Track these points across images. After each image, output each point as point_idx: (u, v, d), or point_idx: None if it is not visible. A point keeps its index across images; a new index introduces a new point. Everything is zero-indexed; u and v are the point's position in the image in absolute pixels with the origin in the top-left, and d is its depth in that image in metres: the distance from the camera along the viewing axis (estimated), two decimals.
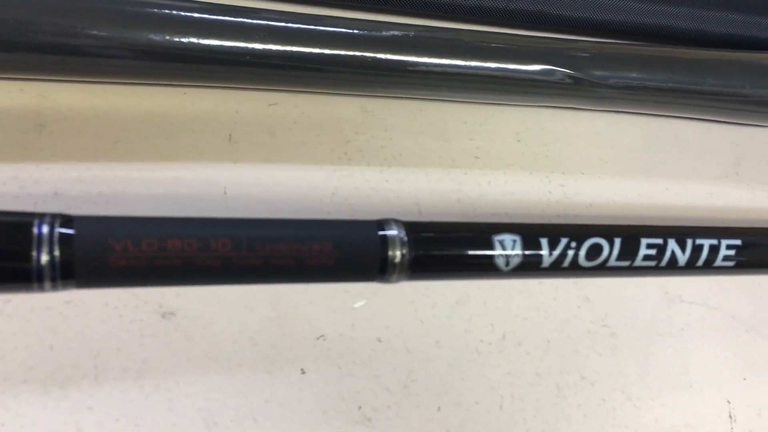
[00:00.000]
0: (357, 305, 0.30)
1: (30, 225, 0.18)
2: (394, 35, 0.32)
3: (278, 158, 0.32)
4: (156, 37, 0.28)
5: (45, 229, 0.18)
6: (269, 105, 0.33)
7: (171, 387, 0.27)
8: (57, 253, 0.18)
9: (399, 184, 0.33)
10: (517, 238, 0.25)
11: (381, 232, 0.23)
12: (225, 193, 0.30)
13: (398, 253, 0.23)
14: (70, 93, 0.30)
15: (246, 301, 0.29)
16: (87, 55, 0.28)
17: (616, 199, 0.37)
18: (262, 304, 0.29)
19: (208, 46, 0.29)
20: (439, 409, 0.30)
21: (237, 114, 0.32)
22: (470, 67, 0.33)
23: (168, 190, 0.30)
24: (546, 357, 0.32)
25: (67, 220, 0.19)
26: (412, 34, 0.33)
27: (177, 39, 0.29)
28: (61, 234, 0.18)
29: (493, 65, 0.33)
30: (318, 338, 0.29)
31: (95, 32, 0.28)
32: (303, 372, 0.29)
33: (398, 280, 0.24)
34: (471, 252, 0.25)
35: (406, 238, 0.23)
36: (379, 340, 0.30)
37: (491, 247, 0.25)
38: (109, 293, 0.27)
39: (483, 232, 0.25)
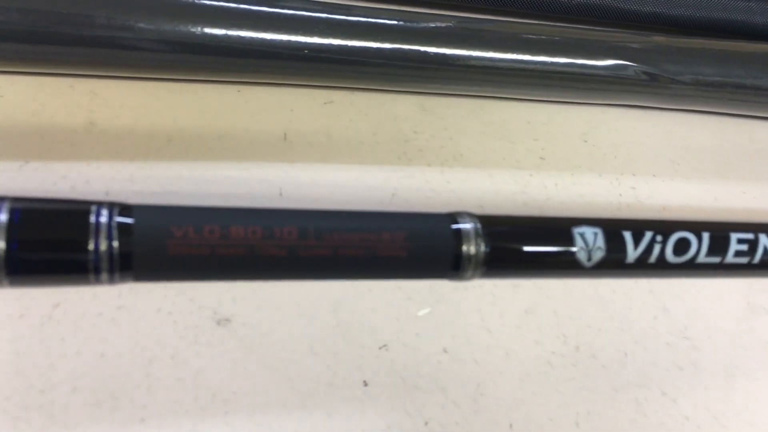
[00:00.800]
0: (421, 313, 0.28)
1: (87, 213, 0.17)
2: (454, 28, 0.31)
3: (335, 158, 0.30)
4: (211, 31, 0.27)
5: (103, 218, 0.17)
6: (324, 103, 0.32)
7: (228, 398, 0.25)
8: (115, 243, 0.17)
9: (461, 185, 0.32)
10: (598, 231, 0.23)
11: (454, 226, 0.21)
12: (281, 194, 0.29)
13: (473, 248, 0.21)
14: (121, 90, 0.29)
15: (305, 308, 0.27)
16: (138, 49, 0.27)
17: (691, 202, 0.34)
18: (321, 311, 0.27)
19: (266, 40, 0.28)
20: (511, 426, 0.28)
21: (292, 112, 0.31)
22: (535, 63, 0.32)
23: (222, 191, 0.28)
24: (623, 371, 0.30)
25: (125, 209, 0.17)
26: (473, 27, 0.31)
27: (233, 33, 0.27)
28: (120, 223, 0.17)
29: (560, 60, 0.32)
30: (380, 348, 0.27)
31: (147, 26, 0.27)
32: (366, 384, 0.27)
33: (472, 277, 0.22)
34: (550, 246, 0.23)
35: (481, 232, 0.21)
36: (445, 351, 0.28)
37: (571, 240, 0.23)
38: (162, 298, 0.25)
39: (562, 225, 0.23)
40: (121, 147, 0.28)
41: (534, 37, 0.32)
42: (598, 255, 0.23)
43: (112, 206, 0.17)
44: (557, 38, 0.32)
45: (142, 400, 0.24)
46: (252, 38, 0.28)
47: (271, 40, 0.28)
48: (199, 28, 0.27)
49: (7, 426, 0.23)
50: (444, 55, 0.30)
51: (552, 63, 0.32)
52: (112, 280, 0.17)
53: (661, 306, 0.31)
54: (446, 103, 0.33)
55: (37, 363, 0.23)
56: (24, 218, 0.16)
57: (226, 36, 0.27)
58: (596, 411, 0.29)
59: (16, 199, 0.16)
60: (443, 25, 0.31)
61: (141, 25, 0.26)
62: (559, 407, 0.28)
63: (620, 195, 0.33)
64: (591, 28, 0.33)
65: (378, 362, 0.27)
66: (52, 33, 0.26)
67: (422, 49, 0.30)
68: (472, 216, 0.22)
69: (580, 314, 0.30)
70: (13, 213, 0.16)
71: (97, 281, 0.17)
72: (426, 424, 0.27)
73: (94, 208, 0.17)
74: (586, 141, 0.34)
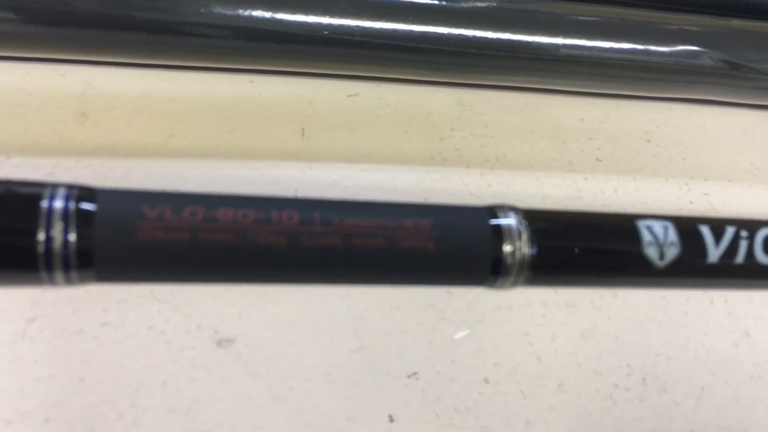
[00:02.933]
0: (458, 336, 0.24)
1: (39, 198, 0.13)
2: (498, 9, 0.27)
3: (359, 157, 0.27)
4: (219, 10, 0.24)
5: (58, 203, 0.13)
6: (348, 96, 0.28)
7: None
8: (72, 234, 0.13)
9: (504, 189, 0.27)
10: (668, 224, 0.18)
11: (494, 221, 0.17)
12: (296, 196, 0.25)
13: (517, 248, 0.17)
14: (117, 79, 0.26)
15: (321, 327, 0.23)
16: (138, 30, 0.24)
17: None
18: (341, 331, 0.23)
19: (280, 20, 0.24)
20: None
21: (311, 106, 0.27)
22: (591, 49, 0.27)
23: (230, 192, 0.25)
24: (700, 408, 0.25)
25: (86, 192, 0.14)
26: (519, 7, 0.27)
27: (244, 12, 0.24)
28: (79, 210, 0.13)
29: (621, 46, 0.27)
30: (410, 376, 0.23)
31: (146, 3, 0.23)
32: (392, 420, 0.22)
33: (514, 284, 0.17)
34: (612, 243, 0.18)
35: (526, 229, 0.17)
36: (487, 381, 0.24)
37: (637, 235, 0.18)
38: (155, 314, 0.22)
39: (624, 218, 0.18)
40: (115, 142, 0.25)
41: (590, 19, 0.28)
42: (673, 252, 0.18)
43: (70, 189, 0.14)
44: (617, 21, 0.28)
45: None
46: (264, 18, 0.24)
47: (286, 21, 0.24)
48: (205, 7, 0.24)
49: None
50: (485, 39, 0.27)
51: (611, 49, 0.27)
52: (68, 280, 0.14)
53: (742, 331, 0.27)
54: (487, 97, 0.29)
55: (5, 387, 0.20)
56: None
57: (236, 16, 0.24)
58: None
59: None
60: (485, 5, 0.27)
61: (140, 2, 0.23)
62: None
63: (691, 202, 0.29)
64: (657, 11, 0.29)
65: (407, 393, 0.23)
66: (45, 11, 0.23)
67: (460, 32, 0.26)
68: (514, 209, 0.18)
69: (646, 340, 0.26)
70: None
71: (50, 281, 0.13)
72: None
73: (47, 191, 0.13)
74: (649, 141, 0.30)
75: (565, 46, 0.27)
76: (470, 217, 0.17)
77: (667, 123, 0.30)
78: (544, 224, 0.18)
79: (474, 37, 0.26)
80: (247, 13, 0.24)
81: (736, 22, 0.28)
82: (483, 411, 0.23)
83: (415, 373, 0.23)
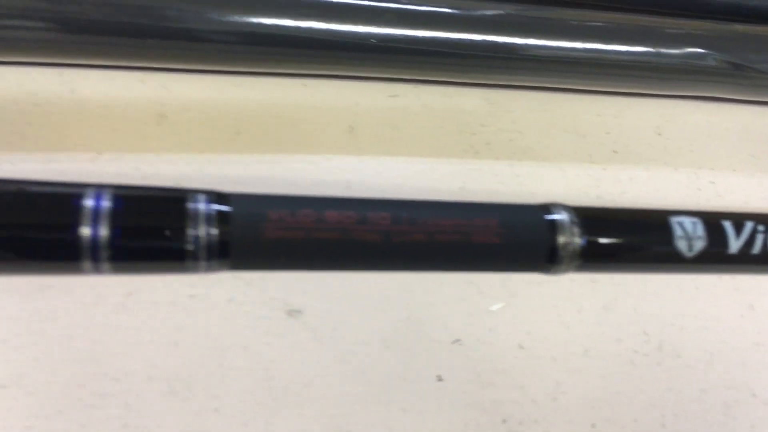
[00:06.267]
0: (494, 308, 0.27)
1: (185, 201, 0.16)
2: (521, 17, 0.30)
3: (401, 151, 0.30)
4: (278, 22, 0.27)
5: (201, 206, 0.16)
6: (389, 96, 0.31)
7: (300, 391, 0.24)
8: (213, 230, 0.16)
9: (531, 179, 0.31)
10: (696, 220, 0.22)
11: (548, 216, 0.20)
12: (348, 187, 0.28)
13: (569, 239, 0.20)
14: (190, 84, 0.29)
15: (376, 300, 0.26)
16: (208, 41, 0.27)
17: None
18: (393, 304, 0.26)
19: (334, 31, 0.28)
20: (593, 425, 0.26)
21: (357, 106, 0.30)
22: (607, 52, 0.30)
23: (290, 183, 0.28)
24: (710, 371, 0.28)
25: (222, 197, 0.17)
26: (541, 15, 0.30)
27: (302, 24, 0.27)
28: (218, 211, 0.16)
29: (634, 49, 0.30)
30: (453, 342, 0.26)
31: (216, 17, 0.27)
32: (440, 379, 0.26)
33: (566, 270, 0.20)
34: (649, 237, 0.21)
35: (576, 223, 0.20)
36: (521, 347, 0.27)
37: (670, 230, 0.21)
38: (233, 288, 0.25)
39: (659, 215, 0.22)
40: (190, 140, 0.28)
41: (605, 25, 0.31)
42: (699, 245, 0.21)
43: (208, 194, 0.17)
44: (629, 26, 0.31)
45: (215, 391, 0.23)
46: (319, 29, 0.27)
47: (339, 31, 0.28)
48: (267, 19, 0.27)
49: (81, 414, 0.22)
50: (512, 44, 0.30)
51: (624, 52, 0.30)
52: (209, 268, 0.17)
53: (747, 304, 0.30)
54: (513, 96, 0.33)
55: (111, 351, 0.23)
56: (126, 205, 0.16)
57: (294, 27, 0.27)
58: (683, 413, 0.27)
59: (118, 187, 0.16)
60: (511, 13, 0.30)
61: (210, 16, 0.27)
62: (643, 408, 0.27)
63: (699, 189, 0.32)
64: (665, 17, 0.32)
65: (452, 357, 0.26)
66: (125, 24, 0.26)
67: (490, 38, 0.29)
68: (565, 207, 0.21)
69: (661, 312, 0.29)
70: (116, 200, 0.16)
71: (195, 269, 0.17)
72: (504, 422, 0.26)
73: (191, 195, 0.17)
74: (660, 134, 0.33)
75: (582, 50, 0.30)
76: (529, 214, 0.20)
77: (676, 118, 0.34)
78: (592, 219, 0.21)
79: (503, 43, 0.29)
80: (306, 24, 0.27)
81: (739, 27, 0.32)
82: (518, 373, 0.27)
83: (458, 340, 0.27)
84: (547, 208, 0.21)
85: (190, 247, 0.16)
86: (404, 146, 0.30)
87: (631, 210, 0.23)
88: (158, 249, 0.16)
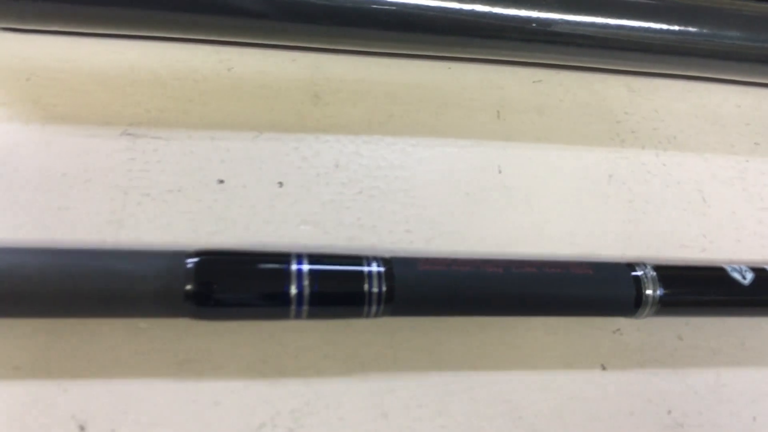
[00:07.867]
0: None
1: (360, 263, 0.22)
2: (670, 4, 0.29)
3: (548, 137, 0.30)
4: (438, 3, 0.27)
5: (374, 268, 0.22)
6: (533, 82, 0.31)
7: (471, 375, 0.24)
8: (384, 286, 0.22)
9: (677, 169, 0.30)
10: (745, 268, 0.26)
11: (633, 273, 0.24)
12: (500, 171, 0.28)
13: (652, 290, 0.24)
14: (340, 64, 0.29)
15: None
16: (356, 25, 0.27)
17: None
18: None
19: (495, 14, 0.27)
20: (755, 419, 0.26)
21: (502, 90, 0.30)
22: (754, 39, 0.30)
23: (444, 167, 0.28)
24: None
25: (386, 261, 0.23)
26: (688, 3, 0.30)
27: (465, 6, 0.27)
28: (386, 271, 0.22)
29: None
30: (614, 332, 0.26)
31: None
32: (604, 368, 0.25)
33: (647, 315, 0.24)
34: (711, 287, 0.25)
35: (656, 278, 0.24)
36: (680, 338, 0.27)
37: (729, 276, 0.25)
38: None
39: (718, 268, 0.26)
40: (345, 120, 0.28)
41: (757, 15, 0.30)
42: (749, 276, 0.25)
43: (376, 259, 0.22)
44: None
45: (389, 373, 0.23)
46: (481, 12, 0.27)
47: (499, 14, 0.27)
48: (430, 1, 0.27)
49: None
50: (656, 30, 0.29)
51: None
52: (377, 313, 0.22)
53: None
54: (653, 84, 0.32)
55: None
56: (319, 271, 0.22)
57: (455, 9, 0.27)
58: None
59: (311, 256, 0.22)
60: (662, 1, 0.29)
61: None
62: None
63: None
64: None
65: (614, 346, 0.26)
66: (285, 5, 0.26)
67: (635, 24, 0.29)
68: (645, 264, 0.25)
69: None
70: (312, 264, 0.22)
71: (368, 313, 0.22)
72: (669, 413, 0.25)
73: (365, 261, 0.22)
74: None
75: (728, 36, 0.30)
76: (619, 269, 0.24)
77: None
78: (668, 274, 0.25)
79: (647, 28, 0.29)
80: (467, 7, 0.27)
81: None
82: (679, 363, 0.26)
83: (618, 329, 0.26)
84: (632, 265, 0.25)
85: (367, 298, 0.22)
86: (550, 132, 0.30)
87: (697, 266, 0.27)
88: (345, 300, 0.22)
